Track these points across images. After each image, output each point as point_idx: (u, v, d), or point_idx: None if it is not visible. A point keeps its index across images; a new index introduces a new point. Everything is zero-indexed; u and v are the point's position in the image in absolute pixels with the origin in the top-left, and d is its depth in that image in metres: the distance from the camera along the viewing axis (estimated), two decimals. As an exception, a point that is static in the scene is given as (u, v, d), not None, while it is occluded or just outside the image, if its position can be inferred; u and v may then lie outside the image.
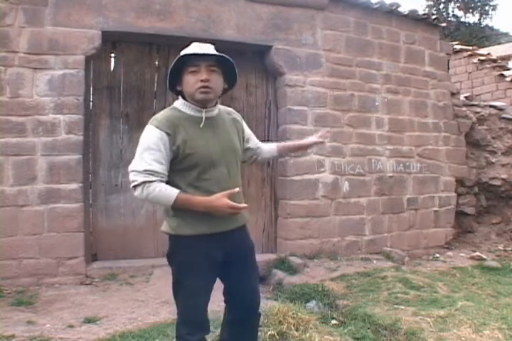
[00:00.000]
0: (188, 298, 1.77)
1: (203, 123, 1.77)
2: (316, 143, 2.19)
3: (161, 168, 1.69)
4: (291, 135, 4.51)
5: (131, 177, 1.70)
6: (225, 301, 1.98)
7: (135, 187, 1.69)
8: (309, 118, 4.60)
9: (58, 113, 3.80)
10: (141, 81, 4.37)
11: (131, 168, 1.72)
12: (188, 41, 4.75)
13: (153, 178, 1.67)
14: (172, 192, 1.68)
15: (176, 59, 1.74)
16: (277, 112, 4.75)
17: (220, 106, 1.89)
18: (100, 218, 4.22)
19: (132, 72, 4.35)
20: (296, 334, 2.53)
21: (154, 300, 3.39)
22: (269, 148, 2.14)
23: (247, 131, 2.03)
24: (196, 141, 1.73)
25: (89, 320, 2.96)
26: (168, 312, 3.10)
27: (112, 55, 4.33)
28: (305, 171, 4.56)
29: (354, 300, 3.35)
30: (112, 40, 4.21)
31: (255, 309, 1.95)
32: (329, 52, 4.74)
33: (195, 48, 1.75)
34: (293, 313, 2.69)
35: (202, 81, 1.71)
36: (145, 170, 1.67)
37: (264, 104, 4.78)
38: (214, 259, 1.77)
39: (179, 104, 1.82)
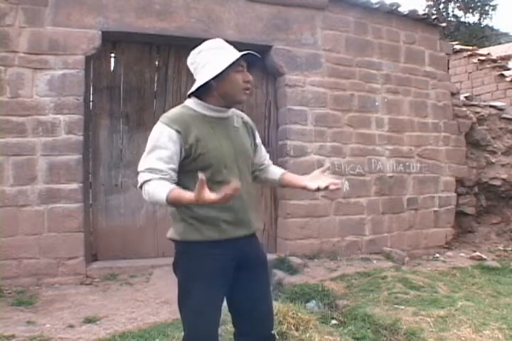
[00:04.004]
0: (197, 309, 1.60)
1: (215, 123, 1.69)
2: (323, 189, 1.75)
3: (165, 167, 1.57)
4: (291, 135, 4.51)
5: (138, 178, 1.61)
6: (233, 324, 1.80)
7: (141, 188, 1.59)
8: (309, 118, 4.60)
9: (58, 113, 3.80)
10: (141, 81, 4.38)
11: (138, 169, 1.63)
12: (188, 41, 4.76)
13: (154, 176, 1.54)
14: (164, 188, 1.49)
15: (236, 58, 1.65)
16: (277, 112, 4.74)
17: (231, 109, 1.82)
18: (100, 218, 4.22)
19: (132, 72, 4.35)
20: (296, 334, 2.53)
21: (154, 300, 3.38)
22: (275, 170, 1.98)
23: (258, 140, 1.91)
24: (209, 141, 1.65)
25: (89, 320, 2.96)
26: (168, 312, 3.11)
27: (112, 55, 4.34)
28: (305, 171, 4.52)
29: (354, 300, 3.35)
30: (112, 40, 4.21)
31: (269, 332, 1.77)
32: (329, 52, 4.74)
33: (230, 47, 1.76)
34: (293, 313, 2.70)
35: (248, 82, 1.69)
36: (146, 169, 1.57)
37: (264, 104, 4.78)
38: (225, 267, 1.65)
39: (191, 102, 1.74)
